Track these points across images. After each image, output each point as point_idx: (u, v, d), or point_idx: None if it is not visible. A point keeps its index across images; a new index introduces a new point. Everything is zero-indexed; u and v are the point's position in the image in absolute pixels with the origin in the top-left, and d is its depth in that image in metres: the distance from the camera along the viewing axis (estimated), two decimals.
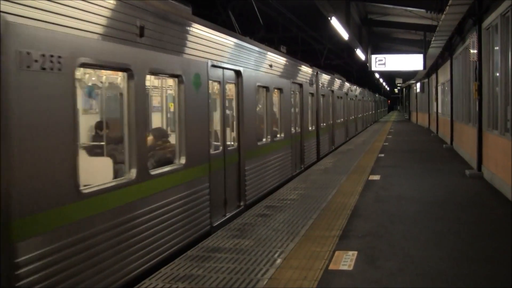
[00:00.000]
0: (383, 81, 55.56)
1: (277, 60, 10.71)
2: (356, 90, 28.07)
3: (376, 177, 11.14)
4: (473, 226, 6.86)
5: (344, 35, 14.67)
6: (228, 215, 7.59)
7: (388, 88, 74.53)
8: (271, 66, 10.02)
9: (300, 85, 13.14)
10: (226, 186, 7.59)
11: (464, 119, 14.91)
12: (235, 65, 7.93)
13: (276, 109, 10.98)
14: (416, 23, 18.70)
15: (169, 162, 6.11)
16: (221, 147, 7.52)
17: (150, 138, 6.31)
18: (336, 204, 8.27)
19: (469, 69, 13.19)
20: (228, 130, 8.07)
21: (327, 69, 19.51)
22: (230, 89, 8.21)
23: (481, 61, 11.03)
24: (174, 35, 5.91)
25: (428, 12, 14.51)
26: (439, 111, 24.51)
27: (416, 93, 40.64)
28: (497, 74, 9.88)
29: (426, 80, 32.19)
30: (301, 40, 22.44)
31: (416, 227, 6.80)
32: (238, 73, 8.15)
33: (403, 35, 24.14)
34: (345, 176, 11.40)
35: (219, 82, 7.46)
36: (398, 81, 50.79)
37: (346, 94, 22.83)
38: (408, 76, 38.60)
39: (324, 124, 16.73)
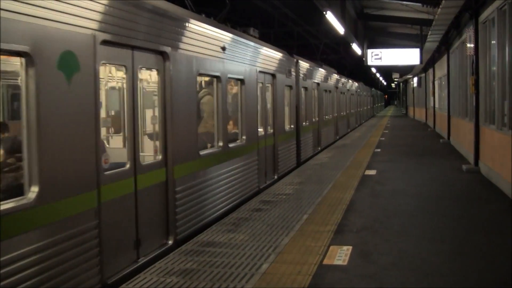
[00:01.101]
0: (380, 76, 55.56)
1: (234, 41, 8.29)
2: (349, 83, 26.79)
3: (372, 172, 11.12)
4: (469, 221, 6.85)
5: (340, 29, 14.62)
6: (143, 260, 5.33)
7: (385, 83, 74.55)
8: (224, 49, 7.72)
9: (273, 75, 10.77)
10: (139, 220, 5.35)
11: (461, 114, 14.91)
12: (157, 43, 5.69)
13: (235, 105, 8.85)
14: (412, 17, 18.67)
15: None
16: (128, 164, 5.25)
17: None
18: (332, 199, 8.25)
19: (466, 63, 13.18)
20: (147, 137, 6.09)
21: (323, 63, 19.20)
22: (151, 77, 6.28)
23: (478, 55, 11.01)
24: None
25: (424, 6, 14.47)
26: (436, 105, 24.52)
27: (413, 88, 40.67)
28: (494, 68, 9.85)
29: (423, 75, 32.20)
30: (297, 35, 22.37)
31: (412, 222, 6.78)
32: (163, 55, 5.89)
33: (399, 29, 24.11)
34: (341, 171, 11.38)
35: (124, 67, 5.26)
36: (395, 75, 50.82)
37: (336, 87, 21.23)
38: (405, 70, 38.62)
39: (307, 122, 14.45)
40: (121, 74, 5.79)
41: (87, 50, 4.47)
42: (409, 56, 20.56)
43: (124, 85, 5.34)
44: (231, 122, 8.60)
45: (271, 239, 5.94)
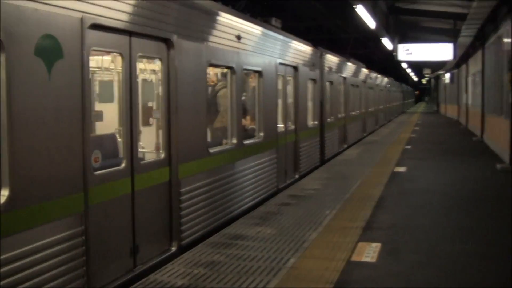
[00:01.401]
0: (411, 71, 54.64)
1: (251, 30, 7.69)
2: (378, 78, 26.19)
3: (402, 169, 10.95)
4: (501, 222, 6.65)
5: (371, 24, 14.39)
6: (141, 269, 4.87)
7: (416, 79, 73.29)
8: (239, 38, 7.16)
9: (295, 68, 10.13)
10: (136, 224, 4.86)
11: (496, 111, 14.51)
12: (159, 29, 5.17)
13: (252, 99, 8.41)
14: (446, 11, 18.23)
15: None
16: (123, 162, 4.76)
17: None
18: (360, 195, 8.15)
19: (503, 59, 12.80)
20: (145, 131, 5.69)
21: (350, 57, 18.86)
22: (154, 66, 5.83)
23: None
24: None
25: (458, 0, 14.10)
26: (469, 102, 23.96)
27: (445, 84, 39.85)
28: None
29: (455, 71, 31.50)
30: (326, 29, 22.17)
31: (442, 221, 6.64)
32: (167, 43, 5.38)
33: (432, 24, 23.60)
34: (370, 167, 11.24)
35: (120, 55, 4.76)
36: (427, 71, 49.85)
37: (364, 82, 20.35)
38: (436, 66, 37.84)
39: (332, 118, 13.81)
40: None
41: (72, 34, 3.93)
42: (442, 51, 20.08)
43: (122, 74, 4.83)
44: (248, 117, 8.22)
45: (299, 233, 5.90)
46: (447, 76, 36.32)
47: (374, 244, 5.49)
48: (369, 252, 5.22)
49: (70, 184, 3.94)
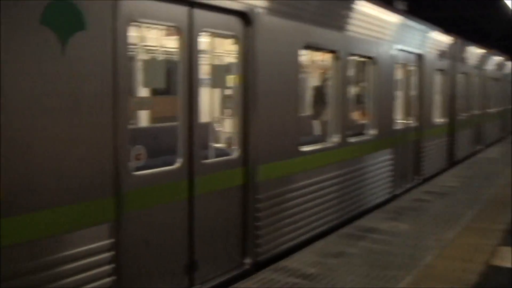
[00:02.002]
0: None
1: (360, 9, 6.48)
2: None
3: None
4: None
5: None
6: None
7: None
8: (344, 17, 6.21)
9: (419, 55, 9.00)
10: (196, 236, 4.14)
11: None
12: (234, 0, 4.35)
13: (361, 89, 7.50)
14: None
15: None
16: (179, 161, 4.03)
17: None
18: (503, 196, 7.64)
19: None
20: (217, 120, 5.07)
21: (498, 50, 17.33)
22: (219, 45, 5.15)
23: None
24: None
25: None
26: None
27: None
28: None
29: None
30: (470, 19, 20.80)
31: None
32: (244, 17, 4.50)
33: None
34: None
35: (176, 29, 3.95)
36: None
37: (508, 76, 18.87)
38: None
39: (465, 115, 12.49)
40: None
41: (101, 1, 3.20)
42: None
43: (180, 55, 3.99)
44: (360, 112, 7.51)
45: (435, 231, 5.75)
46: None
47: None
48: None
49: (93, 188, 3.20)
